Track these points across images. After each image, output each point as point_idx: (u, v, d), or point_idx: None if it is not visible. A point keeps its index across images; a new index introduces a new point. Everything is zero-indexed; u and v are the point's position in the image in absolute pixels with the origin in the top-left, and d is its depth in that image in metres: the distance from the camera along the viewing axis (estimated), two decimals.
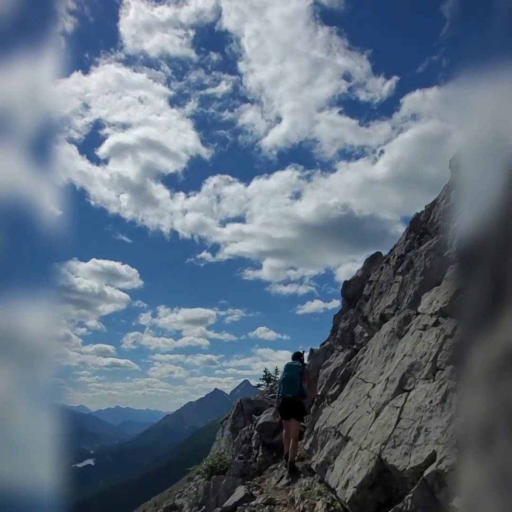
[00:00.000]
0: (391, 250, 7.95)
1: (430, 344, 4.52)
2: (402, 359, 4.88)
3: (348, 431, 5.43)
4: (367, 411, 5.16)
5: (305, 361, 9.22)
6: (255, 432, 10.03)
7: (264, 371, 19.08)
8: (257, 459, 9.41)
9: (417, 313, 5.43)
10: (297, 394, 7.93)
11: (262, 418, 9.69)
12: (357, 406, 5.67)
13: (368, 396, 5.44)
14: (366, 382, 5.91)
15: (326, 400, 7.66)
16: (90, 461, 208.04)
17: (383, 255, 8.91)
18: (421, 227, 6.93)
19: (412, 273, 6.34)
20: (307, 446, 7.12)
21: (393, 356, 5.35)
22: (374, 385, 5.52)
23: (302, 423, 8.18)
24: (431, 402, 3.99)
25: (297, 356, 8.70)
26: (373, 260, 9.50)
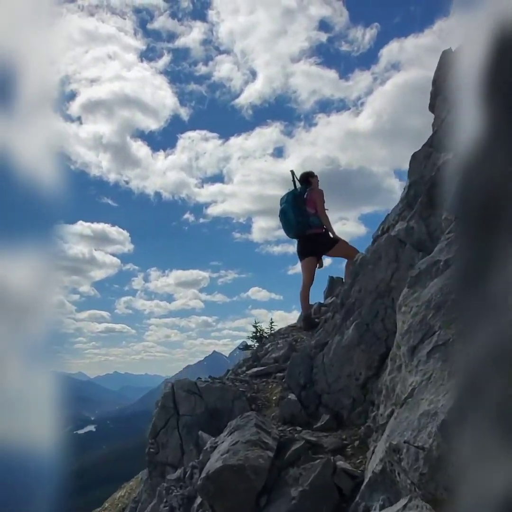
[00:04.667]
0: None
1: None
2: None
3: None
4: None
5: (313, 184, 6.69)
6: (199, 501, 3.53)
7: (254, 326, 11.42)
8: None
9: None
10: (297, 229, 6.36)
11: (225, 447, 3.47)
12: None
13: None
14: None
15: None
16: (91, 427, 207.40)
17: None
18: None
19: None
20: None
21: None
22: None
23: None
24: None
25: (302, 179, 6.57)
26: None
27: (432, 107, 4.95)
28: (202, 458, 3.73)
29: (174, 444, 4.50)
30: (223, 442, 3.60)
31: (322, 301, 7.73)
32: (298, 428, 4.04)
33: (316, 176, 6.56)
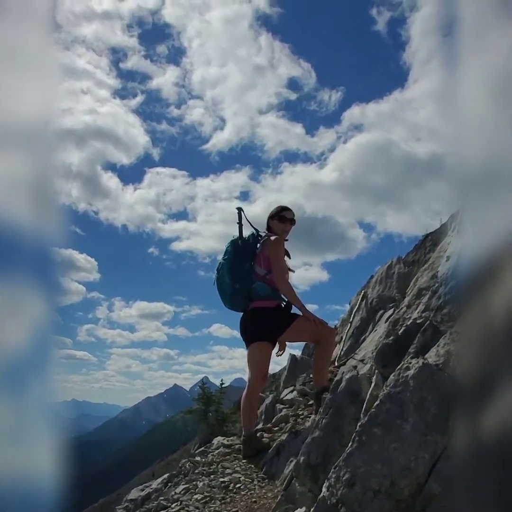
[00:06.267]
0: None
1: None
2: None
3: None
4: None
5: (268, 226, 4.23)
6: None
7: (201, 388, 10.73)
8: None
9: None
10: (232, 301, 4.06)
11: None
12: None
13: None
14: None
15: None
16: None
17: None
18: None
19: None
20: None
21: None
22: None
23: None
24: None
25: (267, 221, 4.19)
26: None
27: None
28: None
29: None
30: None
31: (279, 392, 5.66)
32: None
33: (284, 214, 4.11)
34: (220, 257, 4.13)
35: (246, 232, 4.13)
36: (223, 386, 10.60)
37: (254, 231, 4.13)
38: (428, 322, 2.27)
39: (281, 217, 4.09)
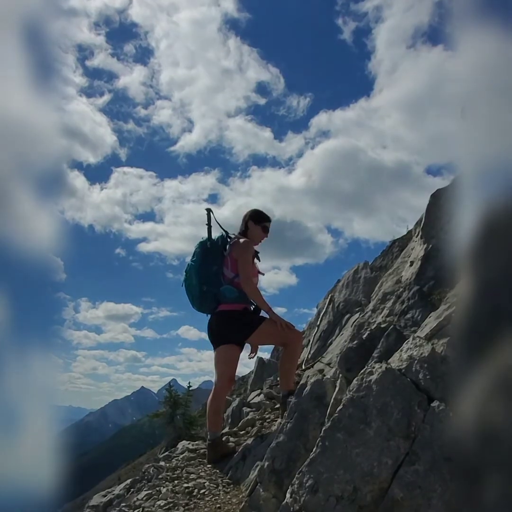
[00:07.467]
0: None
1: None
2: None
3: None
4: None
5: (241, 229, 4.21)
6: None
7: (168, 391, 10.67)
8: None
9: None
10: (200, 304, 4.03)
11: None
12: None
13: None
14: None
15: None
16: None
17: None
18: None
19: None
20: None
21: None
22: None
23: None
24: None
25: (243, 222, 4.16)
26: None
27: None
28: None
29: None
30: None
31: (246, 395, 5.66)
32: None
33: (268, 226, 4.15)
34: (188, 259, 4.08)
35: (216, 234, 4.09)
36: (190, 388, 10.54)
37: (224, 233, 4.09)
38: (391, 326, 2.26)
39: (264, 227, 4.11)
